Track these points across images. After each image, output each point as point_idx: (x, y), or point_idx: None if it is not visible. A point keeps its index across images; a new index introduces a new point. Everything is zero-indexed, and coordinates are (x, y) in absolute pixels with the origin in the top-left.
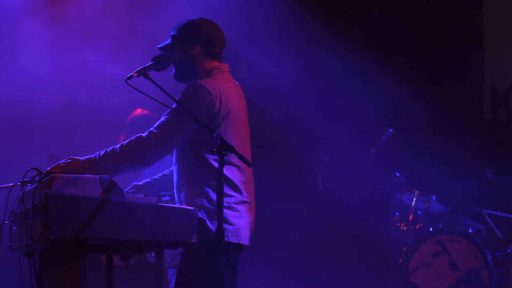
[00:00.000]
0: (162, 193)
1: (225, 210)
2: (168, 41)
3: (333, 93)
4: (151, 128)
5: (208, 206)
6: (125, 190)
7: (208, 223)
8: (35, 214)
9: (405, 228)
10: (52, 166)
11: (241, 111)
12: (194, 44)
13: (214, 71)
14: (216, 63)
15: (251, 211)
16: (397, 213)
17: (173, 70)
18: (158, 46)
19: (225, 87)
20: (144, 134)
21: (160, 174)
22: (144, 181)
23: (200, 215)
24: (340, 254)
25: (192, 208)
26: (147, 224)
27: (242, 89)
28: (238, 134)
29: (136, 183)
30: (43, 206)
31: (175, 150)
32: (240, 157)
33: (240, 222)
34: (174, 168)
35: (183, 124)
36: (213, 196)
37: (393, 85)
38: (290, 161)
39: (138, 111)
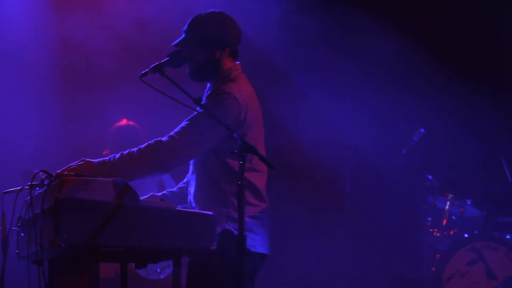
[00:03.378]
0: (180, 206)
1: (251, 220)
2: (188, 38)
3: (358, 89)
4: (172, 133)
5: (236, 217)
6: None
7: (236, 234)
8: (45, 219)
9: (438, 234)
10: (63, 168)
11: (260, 117)
12: (224, 47)
13: (233, 73)
14: (232, 63)
15: (269, 216)
16: (429, 218)
17: (189, 69)
18: (174, 43)
19: (249, 93)
20: (164, 139)
21: (176, 187)
22: (161, 193)
23: (227, 227)
24: (368, 262)
25: (211, 213)
26: (164, 230)
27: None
28: (260, 140)
29: (154, 193)
30: (53, 211)
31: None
32: (262, 158)
33: (264, 230)
34: (192, 176)
35: (208, 131)
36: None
37: (426, 83)
38: (314, 163)
39: (123, 121)
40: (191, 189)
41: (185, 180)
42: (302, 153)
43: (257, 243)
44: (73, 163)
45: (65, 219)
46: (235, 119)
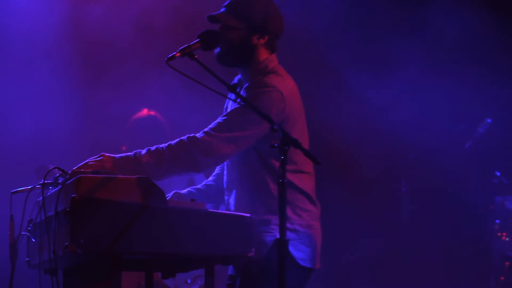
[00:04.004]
0: (209, 206)
1: (302, 229)
2: (227, 12)
3: (413, 74)
4: (207, 129)
5: (288, 225)
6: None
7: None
8: (59, 223)
9: (507, 239)
10: (79, 164)
11: (303, 112)
12: (263, 33)
13: (271, 65)
14: (268, 55)
15: (320, 228)
16: (497, 221)
17: (219, 50)
18: (211, 14)
19: (292, 86)
20: (198, 135)
21: (202, 184)
22: (185, 190)
23: (277, 235)
24: (429, 270)
25: (248, 215)
26: (195, 234)
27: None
28: (304, 137)
29: (177, 191)
30: (68, 213)
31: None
32: (307, 153)
33: (316, 241)
34: (231, 184)
35: (249, 127)
36: (291, 213)
37: (496, 67)
38: (364, 160)
39: (144, 111)
40: (231, 199)
41: (211, 178)
42: (350, 150)
43: (307, 256)
44: (91, 159)
45: (82, 223)
46: (278, 115)
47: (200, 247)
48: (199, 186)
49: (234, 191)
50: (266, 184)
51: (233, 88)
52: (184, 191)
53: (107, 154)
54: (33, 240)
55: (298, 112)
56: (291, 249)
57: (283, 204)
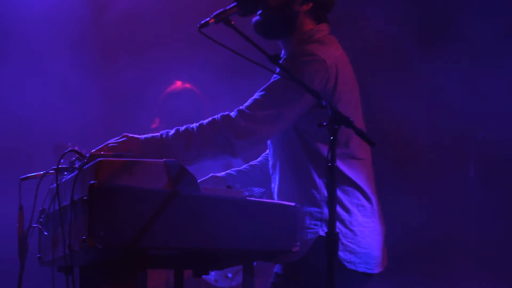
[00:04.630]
0: (247, 192)
1: (352, 227)
2: None
3: (477, 40)
4: (242, 107)
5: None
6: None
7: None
8: (75, 213)
9: None
10: (99, 147)
11: (356, 85)
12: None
13: (318, 34)
14: (314, 25)
15: (381, 220)
16: None
17: (258, 18)
18: None
19: (339, 54)
20: (233, 114)
21: (246, 165)
22: (224, 172)
23: (321, 233)
24: (503, 265)
25: (292, 204)
26: (232, 227)
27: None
28: (356, 114)
29: (214, 174)
30: (85, 202)
31: (270, 140)
32: (360, 133)
33: (370, 242)
34: (274, 170)
35: (288, 102)
36: (338, 207)
37: None
38: (427, 142)
39: (177, 84)
40: (274, 186)
41: (259, 158)
42: (411, 130)
43: (358, 258)
44: (112, 140)
45: (101, 213)
46: (321, 87)
47: (238, 241)
48: (242, 167)
49: (276, 178)
50: (308, 172)
51: (274, 59)
52: (222, 173)
53: (131, 135)
54: (46, 233)
55: (347, 85)
56: (340, 253)
57: (333, 193)
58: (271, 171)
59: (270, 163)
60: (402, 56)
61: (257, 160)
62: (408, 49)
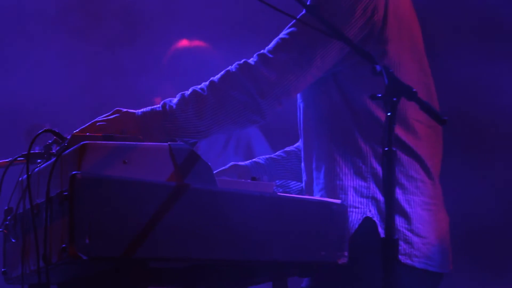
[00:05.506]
0: (279, 188)
1: (413, 211)
2: None
3: None
4: (263, 51)
5: (383, 199)
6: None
7: (381, 229)
8: (52, 214)
9: None
10: (84, 126)
11: (417, 29)
12: None
13: None
14: None
15: (443, 208)
16: None
17: None
18: None
19: None
20: (251, 61)
21: (278, 152)
22: (249, 161)
23: (368, 214)
24: None
25: (338, 201)
26: (259, 232)
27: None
28: (419, 70)
29: (236, 163)
30: (66, 199)
31: (302, 99)
32: (425, 107)
33: (433, 229)
34: (305, 141)
35: (324, 41)
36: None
37: None
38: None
39: (184, 42)
40: (303, 155)
41: (298, 143)
42: (498, 113)
43: (417, 251)
44: (101, 117)
45: (87, 214)
46: (366, 20)
47: (266, 251)
48: (273, 155)
49: (308, 149)
50: (351, 135)
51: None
52: (246, 162)
53: (125, 110)
54: (13, 240)
55: (406, 26)
56: (384, 233)
57: (391, 184)
58: (303, 154)
59: (302, 143)
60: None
61: (294, 145)
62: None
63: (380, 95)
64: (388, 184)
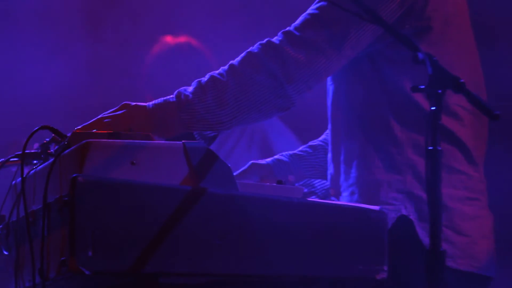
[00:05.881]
0: (306, 189)
1: (455, 206)
2: None
3: None
4: (289, 28)
5: (421, 194)
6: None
7: (419, 229)
8: (51, 223)
9: None
10: (87, 123)
11: (465, 14)
12: None
13: None
14: None
15: (487, 204)
16: None
17: None
18: None
19: None
20: (276, 39)
21: (302, 147)
22: (270, 158)
23: (404, 211)
24: None
25: (377, 208)
26: (285, 243)
27: None
28: (467, 56)
29: (255, 162)
30: (66, 205)
31: (332, 86)
32: (476, 102)
33: (477, 227)
34: (333, 133)
35: (358, 20)
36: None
37: None
38: None
39: (167, 39)
40: (331, 169)
41: (324, 136)
42: None
43: (460, 251)
44: (107, 113)
45: (90, 223)
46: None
47: (294, 264)
48: (297, 151)
49: (341, 151)
50: (386, 124)
51: None
52: (268, 160)
53: (134, 104)
54: (6, 253)
55: (452, 4)
56: (423, 233)
57: (436, 187)
58: (329, 127)
59: (330, 136)
60: None
61: (320, 138)
62: None
63: (422, 87)
64: (433, 189)
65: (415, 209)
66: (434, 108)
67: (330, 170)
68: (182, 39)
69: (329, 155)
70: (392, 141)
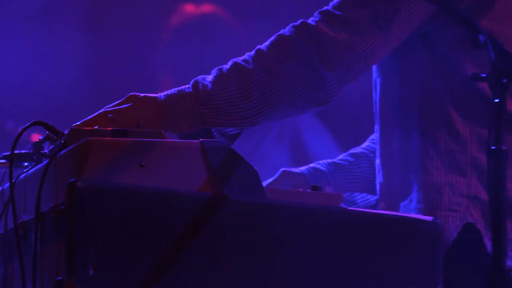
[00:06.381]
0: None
1: None
2: None
3: None
4: (326, 7)
5: (486, 199)
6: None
7: (487, 240)
8: (44, 236)
9: None
10: (87, 118)
11: None
12: None
13: None
14: None
15: None
16: None
17: None
18: None
19: None
20: (311, 20)
21: (342, 155)
22: (303, 167)
23: (470, 219)
24: None
25: (430, 218)
26: (323, 259)
27: None
28: None
29: (287, 169)
30: (63, 216)
31: (378, 77)
32: None
33: None
34: (381, 134)
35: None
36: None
37: None
38: None
39: (188, 8)
40: (380, 175)
41: (368, 142)
42: None
43: None
44: (111, 106)
45: (91, 236)
46: None
47: (331, 285)
48: (336, 159)
49: (393, 153)
50: (446, 117)
51: None
52: (302, 168)
53: (142, 95)
54: None
55: None
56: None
57: (499, 194)
58: (377, 128)
59: (376, 111)
60: None
61: (363, 146)
62: None
63: (484, 75)
64: (496, 195)
65: (481, 216)
66: (497, 100)
67: (379, 178)
68: (206, 8)
69: (378, 161)
70: (454, 138)
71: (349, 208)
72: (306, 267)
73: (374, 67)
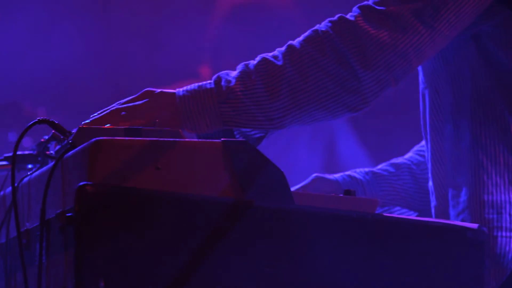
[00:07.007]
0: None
1: None
2: None
3: None
4: (368, 2)
5: None
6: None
7: None
8: (50, 245)
9: None
10: (97, 115)
11: None
12: None
13: None
14: None
15: None
16: None
17: None
18: None
19: None
20: (351, 16)
21: (387, 163)
22: (338, 174)
23: None
24: None
25: (475, 226)
26: (356, 270)
27: None
28: None
29: (320, 175)
30: (70, 222)
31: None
32: None
33: None
34: (431, 140)
35: None
36: None
37: None
38: None
39: None
40: (427, 154)
41: (412, 153)
42: None
43: None
44: (124, 101)
45: (101, 245)
46: None
47: None
48: (376, 168)
49: (447, 172)
50: (500, 122)
51: None
52: (336, 176)
53: (159, 91)
54: None
55: None
56: None
57: None
58: (428, 145)
59: (426, 126)
60: None
61: (406, 156)
62: None
63: None
64: None
65: None
66: None
67: (433, 202)
68: None
69: (430, 184)
70: (510, 146)
71: (385, 214)
72: (338, 279)
73: (421, 78)
